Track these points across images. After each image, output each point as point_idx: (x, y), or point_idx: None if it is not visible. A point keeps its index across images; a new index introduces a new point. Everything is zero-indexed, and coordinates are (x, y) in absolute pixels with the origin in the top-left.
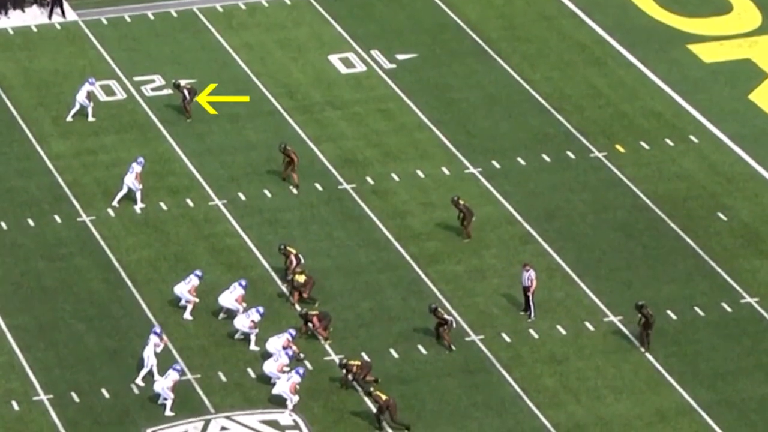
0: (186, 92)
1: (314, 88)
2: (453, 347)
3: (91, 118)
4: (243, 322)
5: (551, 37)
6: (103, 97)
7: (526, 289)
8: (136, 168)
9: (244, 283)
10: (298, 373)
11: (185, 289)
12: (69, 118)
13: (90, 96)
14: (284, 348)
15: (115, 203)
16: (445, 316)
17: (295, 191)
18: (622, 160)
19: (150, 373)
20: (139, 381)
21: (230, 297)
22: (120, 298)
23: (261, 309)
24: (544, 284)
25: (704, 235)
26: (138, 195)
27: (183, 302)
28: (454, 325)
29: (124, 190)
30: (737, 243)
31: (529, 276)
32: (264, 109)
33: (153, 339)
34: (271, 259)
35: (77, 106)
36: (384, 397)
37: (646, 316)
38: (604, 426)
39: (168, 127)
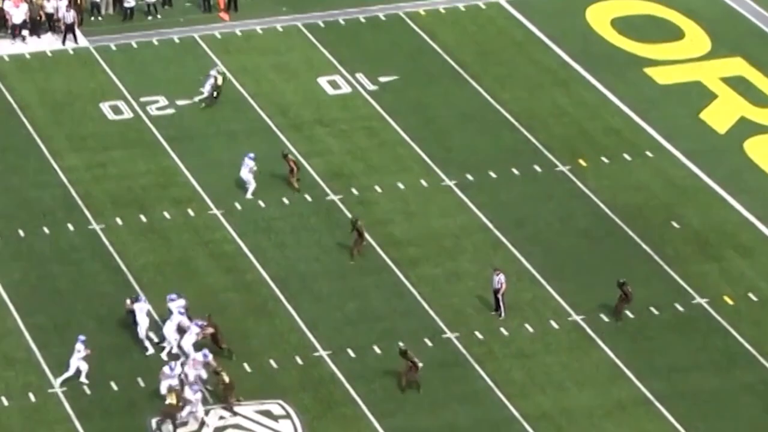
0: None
1: (304, 107)
2: (420, 390)
3: (197, 99)
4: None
5: (521, 62)
6: (111, 115)
7: (496, 291)
8: (249, 163)
9: (199, 324)
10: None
11: (175, 324)
12: (196, 99)
13: (212, 85)
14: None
15: (249, 196)
16: (415, 359)
17: (296, 193)
18: (585, 174)
19: (76, 375)
20: (59, 381)
21: (190, 339)
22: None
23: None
24: (514, 286)
25: (659, 242)
26: (251, 189)
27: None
28: (420, 369)
29: (253, 184)
30: (689, 249)
31: (499, 279)
32: (258, 127)
33: (78, 346)
34: (265, 263)
35: (206, 92)
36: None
37: (625, 292)
38: (568, 415)
39: (171, 143)
